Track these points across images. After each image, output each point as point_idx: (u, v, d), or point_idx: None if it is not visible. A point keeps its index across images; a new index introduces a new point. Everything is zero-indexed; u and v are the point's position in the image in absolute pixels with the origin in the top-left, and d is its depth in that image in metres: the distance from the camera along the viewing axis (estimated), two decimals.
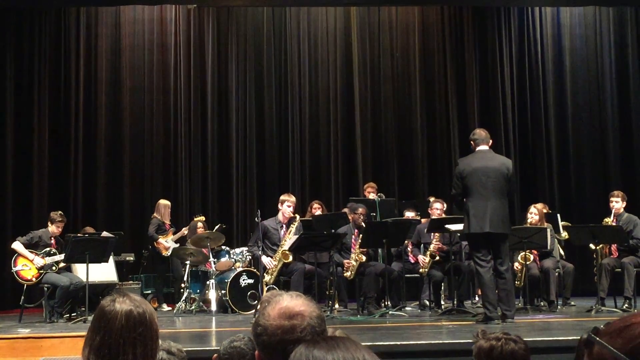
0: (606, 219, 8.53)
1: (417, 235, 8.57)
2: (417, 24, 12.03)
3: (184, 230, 9.79)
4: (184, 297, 8.95)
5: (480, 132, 7.03)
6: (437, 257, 8.32)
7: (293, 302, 1.74)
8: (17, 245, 8.11)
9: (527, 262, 8.07)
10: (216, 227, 9.57)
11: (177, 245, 9.65)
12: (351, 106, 11.77)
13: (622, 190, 8.83)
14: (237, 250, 9.31)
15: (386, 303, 8.25)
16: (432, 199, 9.40)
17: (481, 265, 6.70)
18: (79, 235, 8.61)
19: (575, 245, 8.97)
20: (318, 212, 9.24)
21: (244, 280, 8.76)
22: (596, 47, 12.14)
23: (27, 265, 8.04)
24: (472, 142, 7.01)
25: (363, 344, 1.41)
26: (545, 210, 8.78)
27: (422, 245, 8.62)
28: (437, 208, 8.62)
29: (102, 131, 11.23)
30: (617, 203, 8.41)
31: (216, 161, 11.42)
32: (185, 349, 2.77)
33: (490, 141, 7.04)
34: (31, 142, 10.89)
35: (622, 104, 12.04)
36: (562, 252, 8.95)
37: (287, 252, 8.07)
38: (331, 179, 11.59)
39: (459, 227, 7.72)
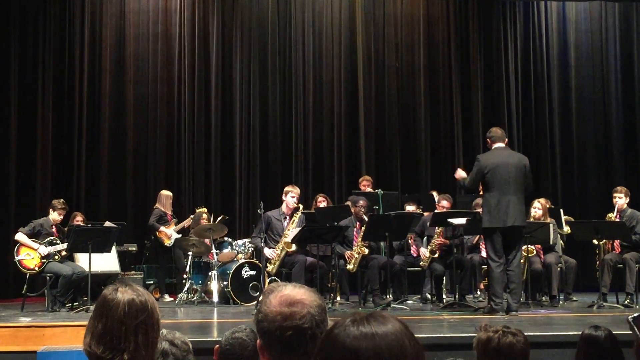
0: (609, 215, 8.52)
1: (421, 226, 8.58)
2: (422, 17, 12.00)
3: (186, 222, 9.79)
4: (186, 288, 8.97)
5: (496, 130, 7.37)
6: (437, 254, 8.34)
7: (295, 291, 1.75)
8: (20, 236, 8.13)
9: (530, 256, 8.06)
10: (219, 218, 9.57)
11: (180, 235, 9.66)
12: (355, 98, 11.75)
13: (625, 185, 8.81)
14: (240, 241, 9.32)
15: (388, 296, 8.27)
16: (435, 194, 9.40)
17: (494, 260, 6.93)
18: (81, 225, 8.63)
19: (578, 240, 8.96)
20: (323, 205, 9.24)
21: (246, 271, 8.78)
22: (601, 42, 12.12)
23: (30, 254, 8.06)
24: (488, 139, 7.32)
25: None
26: (547, 205, 8.77)
27: (425, 237, 8.62)
28: (444, 206, 8.59)
29: (106, 121, 11.22)
30: (621, 199, 8.39)
31: (219, 152, 11.42)
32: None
33: (506, 139, 7.40)
34: (35, 132, 10.90)
35: (626, 99, 12.03)
36: (562, 246, 8.95)
37: (289, 242, 8.09)
38: (334, 171, 11.58)
39: (462, 221, 7.76)
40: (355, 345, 1.31)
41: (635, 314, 2.19)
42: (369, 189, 9.61)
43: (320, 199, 9.46)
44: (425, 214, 8.91)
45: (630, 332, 2.21)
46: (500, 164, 6.99)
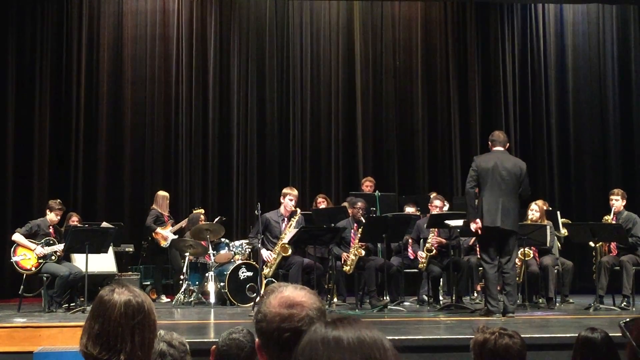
0: (606, 217, 8.53)
1: (416, 231, 8.57)
2: (419, 19, 12.00)
3: (183, 223, 9.78)
4: (182, 289, 8.96)
5: (498, 135, 7.42)
6: (434, 251, 8.33)
7: (295, 293, 1.75)
8: (17, 237, 8.12)
9: (527, 259, 8.07)
10: (216, 219, 9.57)
11: (176, 236, 9.65)
12: (352, 100, 11.75)
13: (622, 188, 8.83)
14: (237, 242, 9.32)
15: (385, 298, 8.27)
16: (432, 195, 9.40)
17: (487, 262, 6.94)
18: (78, 225, 8.62)
19: (574, 242, 8.97)
20: (323, 206, 9.23)
21: (242, 272, 8.77)
22: (599, 44, 12.13)
23: (27, 254, 8.05)
24: (489, 142, 7.35)
25: None
26: (545, 208, 8.78)
27: (421, 240, 8.62)
28: (437, 205, 8.61)
29: (103, 122, 11.21)
30: (617, 201, 8.40)
31: (217, 153, 11.41)
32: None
33: (507, 144, 7.43)
34: (32, 133, 10.88)
35: (623, 101, 12.04)
36: (559, 248, 8.95)
37: (286, 245, 8.07)
38: (331, 172, 11.58)
39: (459, 222, 7.76)
40: (335, 347, 1.32)
41: (627, 319, 2.20)
42: (370, 190, 9.61)
43: (320, 199, 9.47)
44: (421, 216, 8.92)
45: (622, 336, 2.22)
46: (493, 167, 7.01)
